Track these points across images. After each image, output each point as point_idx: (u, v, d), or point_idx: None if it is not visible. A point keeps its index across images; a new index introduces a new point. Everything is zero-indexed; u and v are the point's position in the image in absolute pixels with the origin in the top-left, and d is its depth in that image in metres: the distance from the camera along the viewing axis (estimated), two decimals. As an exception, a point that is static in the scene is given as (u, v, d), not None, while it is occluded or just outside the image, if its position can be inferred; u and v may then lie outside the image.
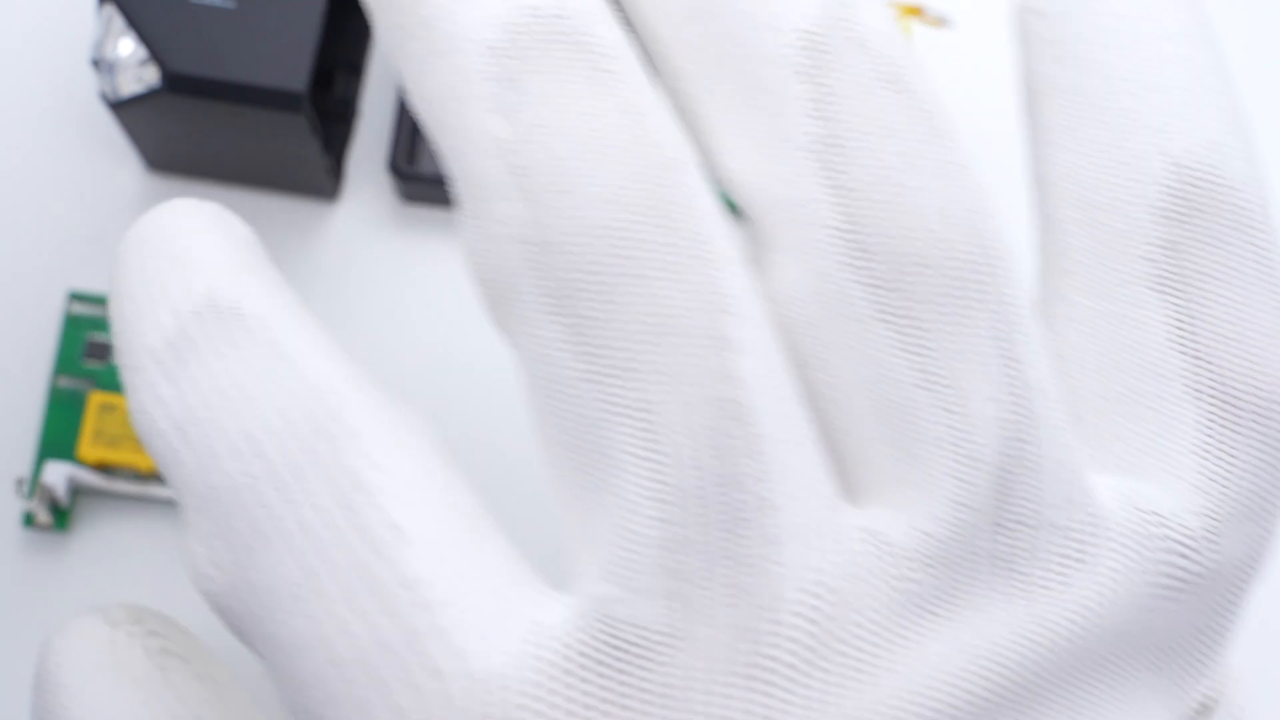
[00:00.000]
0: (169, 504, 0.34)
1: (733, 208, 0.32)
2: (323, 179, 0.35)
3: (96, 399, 0.33)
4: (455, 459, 0.20)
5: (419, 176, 0.35)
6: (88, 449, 0.33)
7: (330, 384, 0.18)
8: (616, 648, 0.16)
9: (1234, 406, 0.18)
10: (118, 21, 0.31)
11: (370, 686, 0.17)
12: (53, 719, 0.21)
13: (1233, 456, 0.18)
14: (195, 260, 0.19)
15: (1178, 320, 0.18)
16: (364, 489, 0.18)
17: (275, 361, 0.18)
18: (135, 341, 0.19)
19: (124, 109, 0.31)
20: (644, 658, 0.16)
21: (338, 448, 0.18)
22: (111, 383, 0.34)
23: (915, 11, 0.33)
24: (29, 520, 0.33)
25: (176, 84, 0.31)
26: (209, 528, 0.18)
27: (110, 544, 0.34)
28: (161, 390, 0.19)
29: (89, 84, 0.36)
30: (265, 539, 0.18)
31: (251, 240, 0.20)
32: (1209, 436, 0.18)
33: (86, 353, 0.34)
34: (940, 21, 0.33)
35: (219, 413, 0.18)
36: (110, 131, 0.36)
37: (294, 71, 0.31)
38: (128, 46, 0.31)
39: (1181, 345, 0.18)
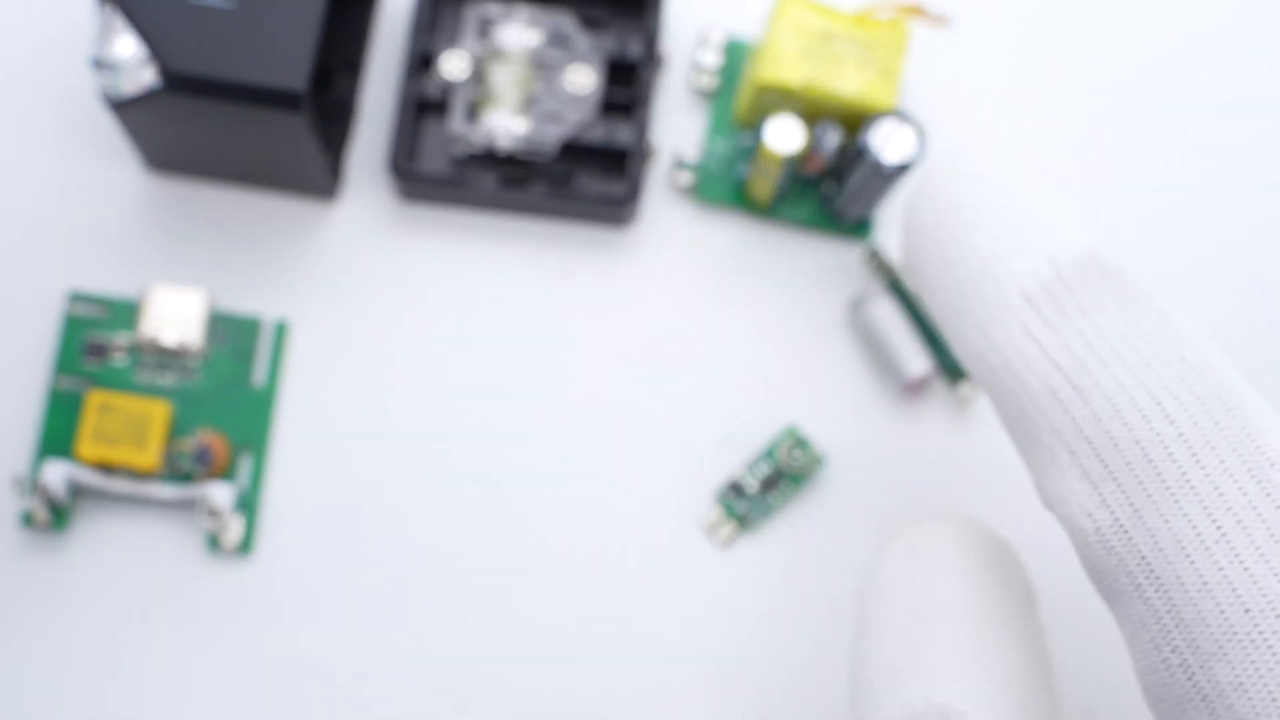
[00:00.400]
0: (167, 504, 0.34)
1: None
2: (322, 178, 0.35)
3: (96, 398, 0.33)
4: None
5: (419, 175, 0.35)
6: (87, 448, 0.33)
7: (1220, 363, 0.21)
8: None
9: None
10: (118, 21, 0.31)
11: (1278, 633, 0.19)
12: (924, 584, 0.25)
13: None
14: (1064, 214, 0.21)
15: None
16: (1275, 464, 0.20)
17: (1165, 330, 0.21)
18: (1005, 281, 0.21)
19: (124, 109, 0.31)
20: None
21: (1244, 424, 0.20)
22: (111, 382, 0.34)
23: (915, 11, 0.33)
24: (28, 519, 0.33)
25: (176, 84, 0.31)
26: (1101, 471, 0.20)
27: (109, 543, 0.34)
28: (1041, 334, 0.21)
29: (89, 84, 0.36)
30: (1173, 492, 0.20)
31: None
32: None
33: (86, 352, 0.34)
34: (940, 21, 0.33)
35: (1114, 369, 0.20)
36: (110, 131, 0.36)
37: (293, 71, 0.31)
38: (128, 46, 0.31)
39: None
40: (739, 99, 0.36)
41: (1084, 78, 0.38)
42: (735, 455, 0.35)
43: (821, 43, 0.33)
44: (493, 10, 0.35)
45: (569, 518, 0.34)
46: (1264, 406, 0.21)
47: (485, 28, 0.35)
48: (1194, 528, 0.20)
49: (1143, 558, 0.20)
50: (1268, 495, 0.20)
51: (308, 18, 0.31)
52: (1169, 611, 0.20)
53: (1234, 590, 0.20)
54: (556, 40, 0.35)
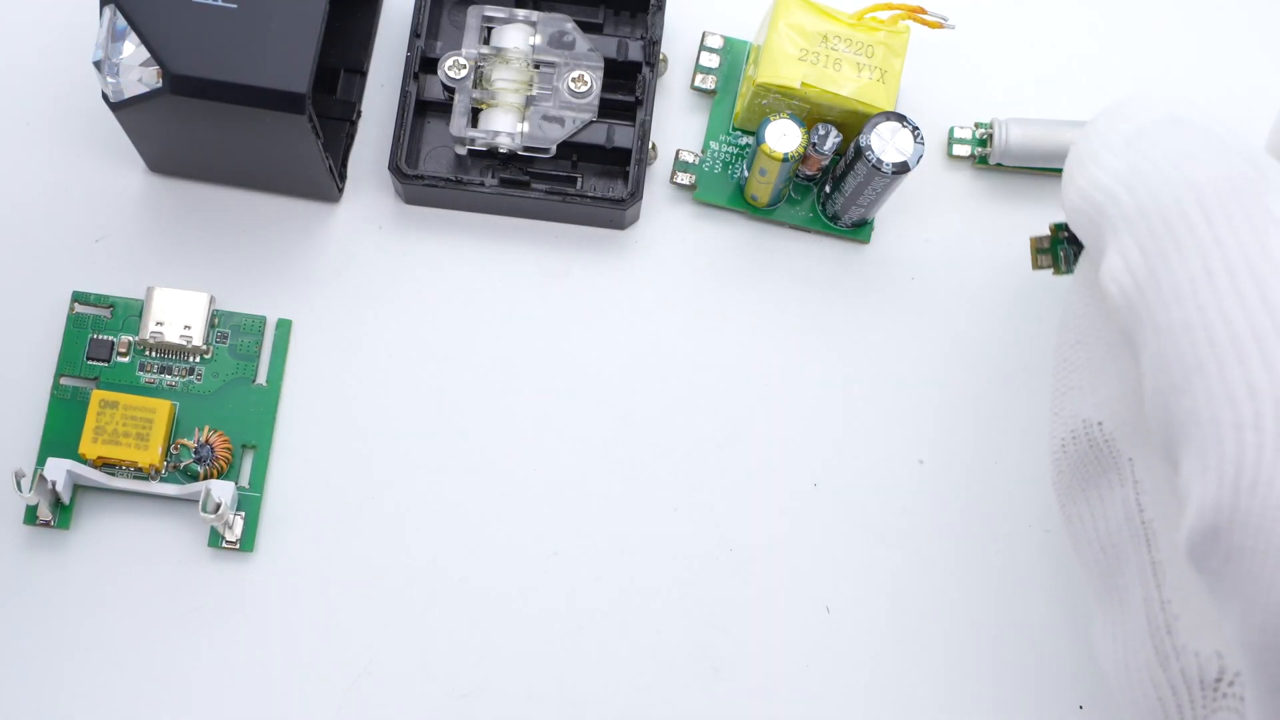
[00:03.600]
0: (169, 502, 0.34)
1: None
2: (324, 180, 0.35)
3: (98, 397, 0.33)
4: None
5: (419, 177, 0.35)
6: (89, 446, 0.33)
7: (1260, 158, 0.23)
8: None
9: None
10: (120, 23, 0.31)
11: (1234, 363, 0.21)
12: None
13: None
14: (1155, 94, 0.26)
15: None
16: (1276, 221, 0.22)
17: (1214, 140, 0.24)
18: (1096, 144, 0.26)
19: (126, 110, 0.32)
20: None
21: (1259, 191, 0.22)
22: (113, 381, 0.34)
23: (915, 11, 0.34)
24: (31, 516, 0.33)
25: (179, 85, 0.31)
26: (1128, 241, 0.24)
27: (111, 540, 0.34)
28: (1108, 163, 0.25)
29: (92, 85, 0.36)
30: (1180, 246, 0.22)
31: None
32: None
33: (89, 352, 0.34)
34: (940, 22, 0.34)
35: (1162, 166, 0.24)
36: (113, 133, 0.36)
37: (295, 73, 0.31)
38: (130, 48, 0.31)
39: None
40: (738, 100, 0.36)
41: (1082, 78, 0.38)
42: (733, 455, 0.35)
43: (820, 43, 0.34)
44: (494, 12, 0.35)
45: (567, 516, 0.35)
46: None
47: (486, 30, 0.35)
48: (1189, 276, 0.22)
49: (1148, 307, 0.23)
50: (1261, 245, 0.22)
51: (309, 20, 0.31)
52: (1158, 353, 0.22)
53: (1206, 328, 0.22)
54: (557, 42, 0.35)
